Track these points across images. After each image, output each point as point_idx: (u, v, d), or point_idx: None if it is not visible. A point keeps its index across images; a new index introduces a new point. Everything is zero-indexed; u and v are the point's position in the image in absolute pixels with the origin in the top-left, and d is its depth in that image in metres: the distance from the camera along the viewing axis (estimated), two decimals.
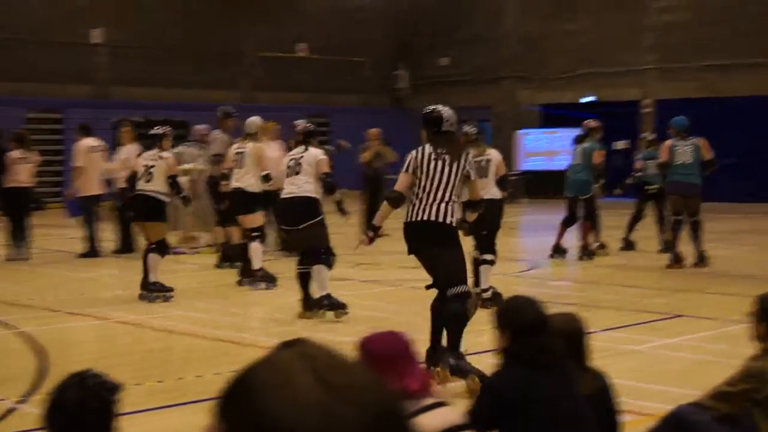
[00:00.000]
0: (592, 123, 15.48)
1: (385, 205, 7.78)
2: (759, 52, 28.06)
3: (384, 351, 4.01)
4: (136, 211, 11.57)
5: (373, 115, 33.87)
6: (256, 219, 12.10)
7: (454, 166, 7.57)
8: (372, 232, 8.06)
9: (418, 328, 8.78)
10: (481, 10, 33.91)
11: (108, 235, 16.24)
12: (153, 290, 11.19)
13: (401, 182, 7.67)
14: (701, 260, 13.91)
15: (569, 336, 4.64)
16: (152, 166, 11.35)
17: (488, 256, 10.83)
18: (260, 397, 1.23)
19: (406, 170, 7.63)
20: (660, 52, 30.04)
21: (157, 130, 11.78)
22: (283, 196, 10.21)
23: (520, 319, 4.39)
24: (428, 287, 7.68)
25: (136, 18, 29.69)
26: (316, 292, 10.02)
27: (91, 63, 29.09)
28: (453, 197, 7.56)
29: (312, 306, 10.09)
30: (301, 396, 1.22)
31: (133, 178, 11.55)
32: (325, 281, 9.93)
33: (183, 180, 16.31)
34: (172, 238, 16.42)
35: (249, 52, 32.40)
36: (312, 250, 9.96)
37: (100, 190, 16.10)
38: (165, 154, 11.52)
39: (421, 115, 7.84)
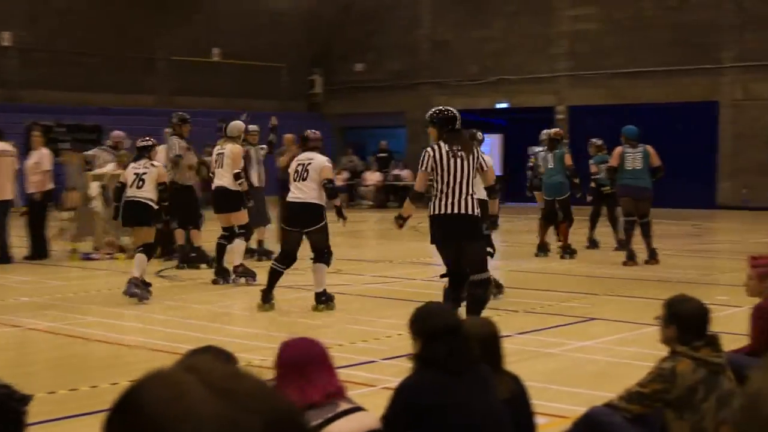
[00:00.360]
0: (559, 131, 16.23)
1: (407, 202, 8.86)
2: (661, 61, 28.69)
3: (298, 357, 4.01)
4: (127, 216, 12.06)
5: (289, 120, 33.78)
6: (242, 217, 12.97)
7: (469, 160, 8.37)
8: (402, 220, 9.04)
9: (347, 335, 8.79)
10: (396, 16, 34.08)
11: (19, 241, 15.92)
12: (134, 285, 11.50)
13: (420, 180, 8.50)
14: (652, 257, 14.93)
15: (483, 340, 4.68)
16: (144, 174, 11.94)
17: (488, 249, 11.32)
18: (153, 412, 1.19)
19: (424, 169, 8.37)
20: (572, 60, 30.47)
21: (146, 141, 12.31)
22: (289, 199, 10.78)
23: (431, 325, 4.40)
24: (442, 276, 8.66)
25: (46, 20, 29.20)
26: (316, 287, 10.84)
27: (1, 66, 28.52)
28: (473, 190, 8.37)
29: (270, 300, 10.85)
30: (196, 408, 1.19)
31: (122, 188, 12.05)
32: (324, 278, 10.80)
33: (95, 185, 16.12)
34: (88, 244, 16.19)
35: (163, 56, 32.07)
36: (315, 251, 10.74)
37: (11, 195, 15.76)
38: (155, 162, 12.20)
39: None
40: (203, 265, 14.32)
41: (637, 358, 7.72)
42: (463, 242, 8.36)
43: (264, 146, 16.03)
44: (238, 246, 12.91)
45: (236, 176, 12.87)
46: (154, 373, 1.26)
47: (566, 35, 30.58)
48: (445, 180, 8.27)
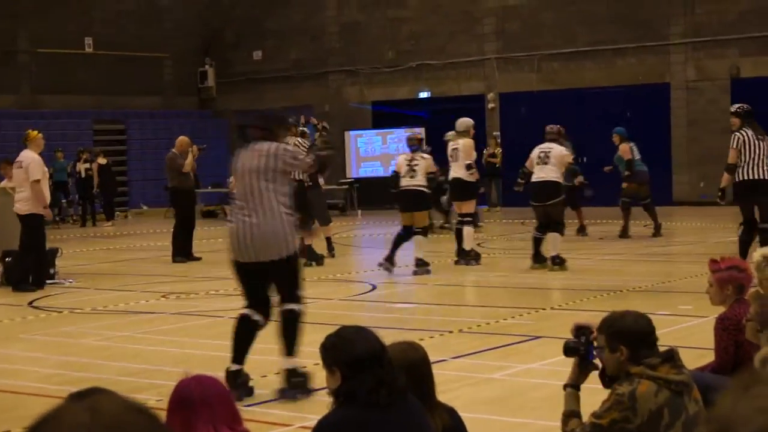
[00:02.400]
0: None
1: (726, 175, 14.69)
2: (602, 39, 29.03)
3: (187, 397, 4.00)
4: (404, 202, 15.85)
5: (178, 118, 33.61)
6: (470, 205, 16.80)
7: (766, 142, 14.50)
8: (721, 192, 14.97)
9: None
10: None
11: None
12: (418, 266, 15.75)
13: (733, 155, 14.53)
14: (658, 231, 20.20)
15: (410, 368, 4.64)
16: (416, 164, 15.60)
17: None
18: None
19: (736, 147, 14.48)
20: (501, 40, 30.72)
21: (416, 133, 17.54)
22: (534, 179, 15.52)
23: (352, 353, 4.33)
24: (740, 225, 14.68)
25: None
26: (549, 251, 15.36)
27: None
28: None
29: (541, 261, 15.50)
30: None
31: (396, 176, 15.89)
32: (558, 244, 15.37)
33: None
34: None
35: (26, 48, 31.62)
36: (552, 221, 15.29)
37: None
38: (425, 155, 15.94)
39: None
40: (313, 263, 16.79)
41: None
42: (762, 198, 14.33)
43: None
44: (467, 232, 16.44)
45: (468, 167, 16.34)
46: (53, 412, 1.27)
47: (494, 12, 30.83)
48: (752, 156, 14.20)
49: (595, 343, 5.13)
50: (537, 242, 15.73)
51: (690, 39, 28.11)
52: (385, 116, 32.03)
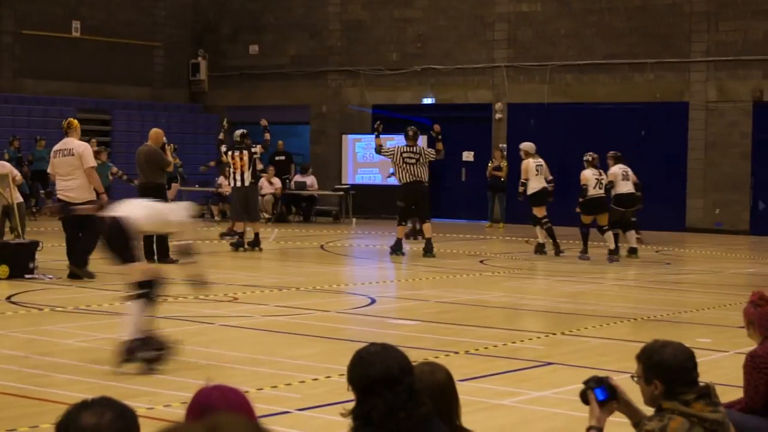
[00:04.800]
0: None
1: None
2: (619, 52, 29.08)
3: (224, 406, 3.97)
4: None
5: (166, 111, 33.60)
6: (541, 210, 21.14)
7: None
8: None
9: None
10: None
11: None
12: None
13: None
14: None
15: (434, 391, 4.62)
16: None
17: None
18: None
19: None
20: (513, 48, 30.74)
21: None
22: (625, 192, 20.61)
23: (364, 374, 4.30)
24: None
25: None
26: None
27: None
28: None
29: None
30: None
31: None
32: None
33: None
34: None
35: (10, 29, 31.57)
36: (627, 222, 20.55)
37: None
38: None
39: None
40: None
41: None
42: None
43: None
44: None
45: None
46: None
47: (505, 17, 30.84)
48: None
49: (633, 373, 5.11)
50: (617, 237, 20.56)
51: (712, 57, 28.13)
52: (386, 121, 31.95)
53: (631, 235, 21.12)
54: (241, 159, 20.86)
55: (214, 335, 11.79)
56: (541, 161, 21.68)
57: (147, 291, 9.98)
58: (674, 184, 28.33)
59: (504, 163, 28.68)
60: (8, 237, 17.71)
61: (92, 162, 16.00)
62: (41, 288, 14.93)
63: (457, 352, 10.72)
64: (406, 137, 20.92)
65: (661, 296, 15.94)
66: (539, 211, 21.32)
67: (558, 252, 21.01)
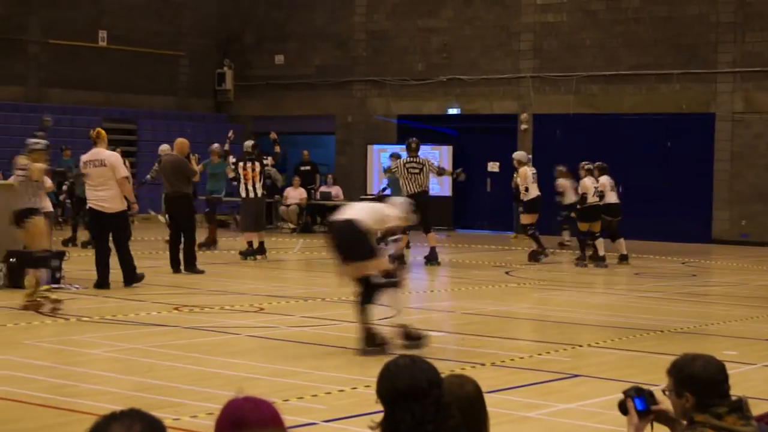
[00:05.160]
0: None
1: None
2: (645, 63, 29.04)
3: (256, 419, 3.98)
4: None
5: (192, 121, 33.69)
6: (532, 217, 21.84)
7: None
8: None
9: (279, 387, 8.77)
10: None
11: None
12: None
13: None
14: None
15: (463, 404, 4.62)
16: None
17: None
18: None
19: None
20: (539, 58, 30.74)
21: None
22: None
23: (390, 387, 4.30)
24: None
25: None
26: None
27: None
28: None
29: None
30: None
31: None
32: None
33: None
34: None
35: (36, 38, 31.74)
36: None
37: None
38: None
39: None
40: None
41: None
42: None
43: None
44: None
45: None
46: None
47: (531, 28, 30.86)
48: None
49: (663, 386, 5.11)
50: None
51: (739, 68, 28.07)
52: (412, 131, 32.01)
53: (621, 243, 22.11)
54: (253, 170, 20.95)
55: (239, 346, 11.83)
56: (534, 170, 22.56)
57: (394, 279, 11.35)
58: (700, 195, 28.27)
59: None
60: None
61: (125, 172, 16.31)
62: (68, 298, 14.97)
63: (483, 364, 10.73)
64: (409, 149, 21.15)
65: (687, 308, 15.92)
66: (529, 218, 22.32)
67: (542, 256, 22.27)
